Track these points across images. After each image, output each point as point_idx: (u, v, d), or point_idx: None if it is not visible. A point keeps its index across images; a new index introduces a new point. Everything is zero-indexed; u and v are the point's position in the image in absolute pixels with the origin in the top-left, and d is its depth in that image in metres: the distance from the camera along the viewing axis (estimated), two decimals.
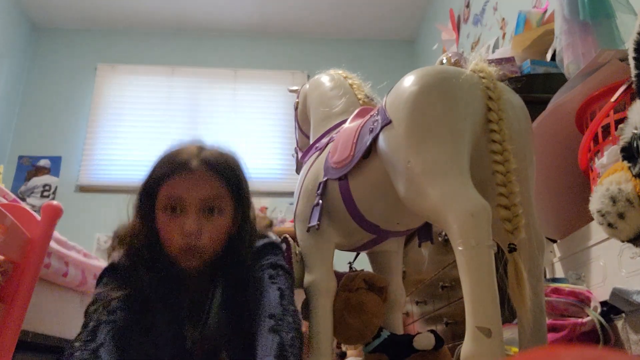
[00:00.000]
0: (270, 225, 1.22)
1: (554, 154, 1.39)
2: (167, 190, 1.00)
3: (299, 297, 1.22)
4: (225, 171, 1.03)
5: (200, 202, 0.99)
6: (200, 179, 1.00)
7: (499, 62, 1.74)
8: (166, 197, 1.00)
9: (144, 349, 1.00)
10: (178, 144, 1.06)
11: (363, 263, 1.35)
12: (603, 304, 1.11)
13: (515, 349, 1.03)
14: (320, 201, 1.14)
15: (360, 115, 1.27)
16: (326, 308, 1.12)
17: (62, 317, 1.85)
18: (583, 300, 1.12)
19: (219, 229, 1.02)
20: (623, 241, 0.97)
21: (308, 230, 1.16)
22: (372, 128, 1.03)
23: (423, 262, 2.13)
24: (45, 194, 3.92)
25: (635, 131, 0.90)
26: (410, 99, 0.93)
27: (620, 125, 0.97)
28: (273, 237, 1.15)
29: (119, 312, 0.98)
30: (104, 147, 4.11)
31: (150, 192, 1.02)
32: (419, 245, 1.31)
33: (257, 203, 4.00)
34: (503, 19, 2.71)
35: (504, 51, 1.99)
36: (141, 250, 1.03)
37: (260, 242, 1.10)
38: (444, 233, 1.73)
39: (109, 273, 1.06)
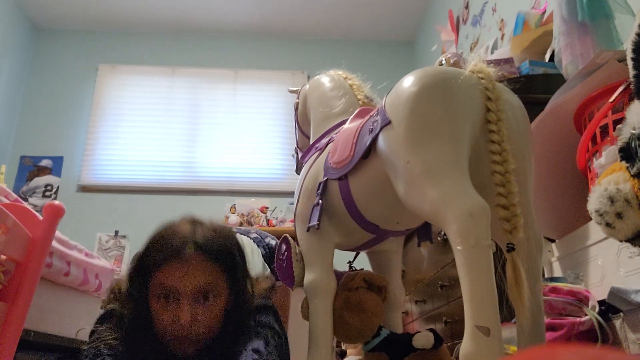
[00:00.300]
0: (272, 287, 1.20)
1: (553, 154, 1.39)
2: (160, 278, 0.97)
3: (299, 296, 1.23)
4: (220, 254, 1.00)
5: (195, 291, 0.96)
6: (194, 266, 0.96)
7: (497, 62, 1.75)
8: (159, 285, 0.97)
9: None
10: (169, 224, 1.03)
11: (363, 262, 1.35)
12: (601, 303, 1.11)
13: (514, 348, 1.04)
14: (320, 201, 1.15)
15: (360, 115, 1.28)
16: (326, 307, 1.13)
17: (63, 317, 1.86)
18: (581, 300, 1.13)
19: (215, 313, 1.00)
20: (621, 241, 0.97)
21: (308, 230, 1.16)
22: (372, 128, 1.03)
23: (422, 262, 2.14)
24: (47, 193, 3.93)
25: (634, 131, 0.91)
26: (410, 99, 0.93)
27: (619, 126, 0.98)
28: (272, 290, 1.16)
29: (118, 348, 0.99)
30: (105, 147, 4.12)
31: (142, 277, 0.99)
32: (418, 245, 1.32)
33: (257, 203, 4.01)
34: (502, 20, 2.71)
35: (502, 52, 2.00)
36: (132, 332, 1.00)
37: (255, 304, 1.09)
38: (443, 233, 1.73)
39: (107, 321, 1.04)
